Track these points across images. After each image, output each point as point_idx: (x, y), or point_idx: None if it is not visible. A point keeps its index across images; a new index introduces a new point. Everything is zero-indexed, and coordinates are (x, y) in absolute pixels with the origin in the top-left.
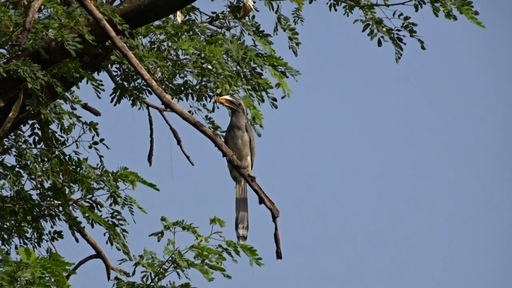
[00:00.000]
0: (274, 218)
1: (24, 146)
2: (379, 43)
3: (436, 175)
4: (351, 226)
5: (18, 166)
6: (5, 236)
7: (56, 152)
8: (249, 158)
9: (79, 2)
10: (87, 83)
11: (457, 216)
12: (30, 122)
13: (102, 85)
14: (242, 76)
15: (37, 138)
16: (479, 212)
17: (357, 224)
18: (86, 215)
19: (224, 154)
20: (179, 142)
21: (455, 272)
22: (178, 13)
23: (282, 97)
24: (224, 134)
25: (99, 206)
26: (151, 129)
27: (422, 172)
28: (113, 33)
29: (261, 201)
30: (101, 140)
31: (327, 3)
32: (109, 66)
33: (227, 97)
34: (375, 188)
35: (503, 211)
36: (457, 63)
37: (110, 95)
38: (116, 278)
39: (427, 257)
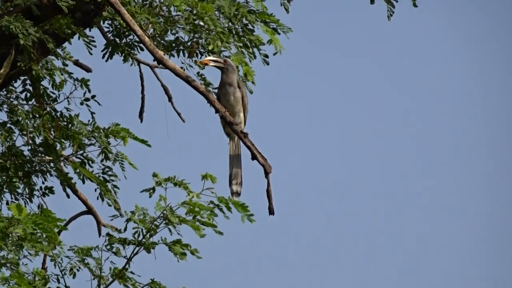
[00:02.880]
0: (266, 174)
1: (15, 102)
2: (372, 1)
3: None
4: (343, 182)
5: (9, 122)
6: None
7: (48, 108)
8: (242, 114)
9: None
10: (78, 39)
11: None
12: (22, 78)
13: (93, 41)
14: (234, 32)
15: (28, 94)
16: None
17: (350, 179)
18: (77, 171)
19: (217, 111)
20: (170, 99)
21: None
22: None
23: (274, 54)
24: (216, 91)
25: (90, 162)
26: (142, 85)
27: (420, 134)
28: None
29: (254, 157)
30: (93, 96)
31: None
32: (101, 22)
33: (210, 57)
34: (367, 141)
35: None
36: (450, 15)
37: (102, 51)
38: (107, 234)
39: (416, 217)
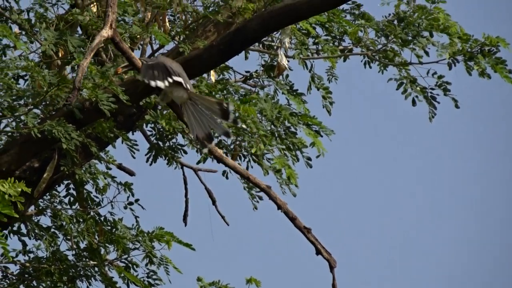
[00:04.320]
0: (331, 268)
1: (59, 206)
2: (414, 103)
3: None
4: (406, 271)
5: (53, 227)
6: None
7: (91, 213)
8: (188, 85)
9: (122, 54)
10: (122, 143)
11: None
12: (65, 182)
13: (136, 144)
14: (276, 135)
15: (72, 198)
16: None
17: (413, 268)
18: (122, 275)
19: (279, 207)
20: (214, 202)
21: None
22: (212, 72)
23: (317, 157)
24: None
25: (135, 266)
26: (186, 189)
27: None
28: None
29: (318, 252)
30: (136, 200)
31: (361, 61)
32: (144, 125)
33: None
34: (421, 232)
35: None
36: (489, 120)
37: (145, 154)
38: None
39: None
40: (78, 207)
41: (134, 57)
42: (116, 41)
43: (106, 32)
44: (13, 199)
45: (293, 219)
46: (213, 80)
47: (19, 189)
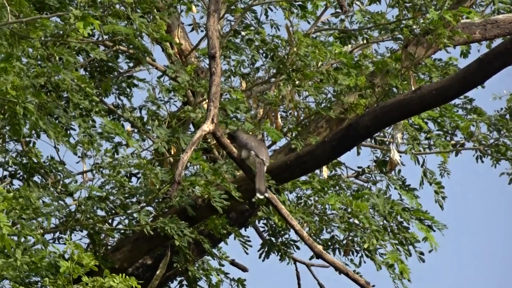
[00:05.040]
0: None
1: None
2: None
3: None
4: None
5: None
6: None
7: None
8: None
9: (223, 149)
10: (234, 239)
11: None
12: (178, 279)
13: (249, 241)
14: (389, 230)
15: None
16: None
17: None
18: None
19: None
20: None
21: None
22: (324, 168)
23: (430, 251)
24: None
25: None
26: (299, 284)
27: None
28: None
29: None
30: None
31: (473, 155)
32: (256, 221)
33: None
34: None
35: None
36: None
37: (258, 250)
38: None
39: None
40: None
41: (235, 152)
42: (218, 136)
43: (207, 127)
44: None
45: None
46: (325, 176)
47: (130, 284)
